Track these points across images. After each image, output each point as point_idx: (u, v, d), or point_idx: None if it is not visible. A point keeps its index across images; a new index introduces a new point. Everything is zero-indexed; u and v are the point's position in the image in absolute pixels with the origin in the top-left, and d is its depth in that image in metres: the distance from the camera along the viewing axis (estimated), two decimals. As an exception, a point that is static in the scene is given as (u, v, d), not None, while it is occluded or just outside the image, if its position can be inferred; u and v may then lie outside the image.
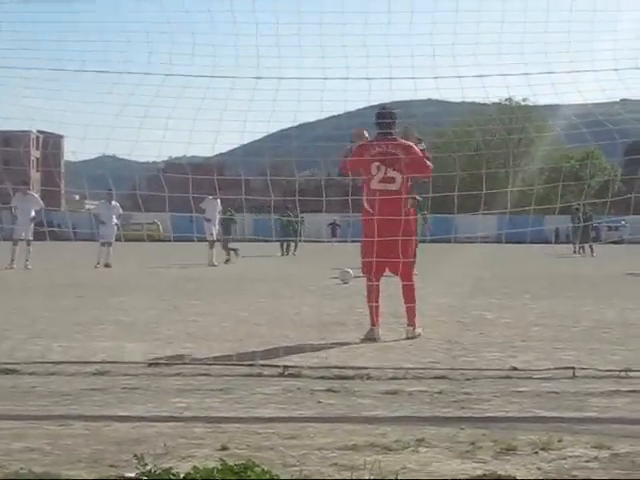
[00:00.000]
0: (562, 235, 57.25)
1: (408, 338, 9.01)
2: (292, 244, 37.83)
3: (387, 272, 9.42)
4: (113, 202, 26.28)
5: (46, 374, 6.83)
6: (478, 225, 34.84)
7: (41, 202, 25.47)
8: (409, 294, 9.39)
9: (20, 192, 25.00)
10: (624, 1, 6.65)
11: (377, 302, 9.21)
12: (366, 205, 9.36)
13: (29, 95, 7.84)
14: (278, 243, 37.72)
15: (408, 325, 9.26)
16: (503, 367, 7.04)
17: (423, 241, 22.34)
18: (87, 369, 6.99)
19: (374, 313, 9.13)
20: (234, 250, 29.04)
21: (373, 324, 9.08)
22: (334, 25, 7.40)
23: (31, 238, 24.59)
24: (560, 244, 48.47)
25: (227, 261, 28.17)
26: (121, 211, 26.80)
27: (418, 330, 9.21)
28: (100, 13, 7.10)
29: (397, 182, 9.26)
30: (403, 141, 9.40)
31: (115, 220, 26.44)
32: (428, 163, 9.39)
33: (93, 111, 8.17)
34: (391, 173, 9.25)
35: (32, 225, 24.61)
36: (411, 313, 9.29)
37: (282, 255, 37.02)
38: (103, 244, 25.85)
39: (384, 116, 9.40)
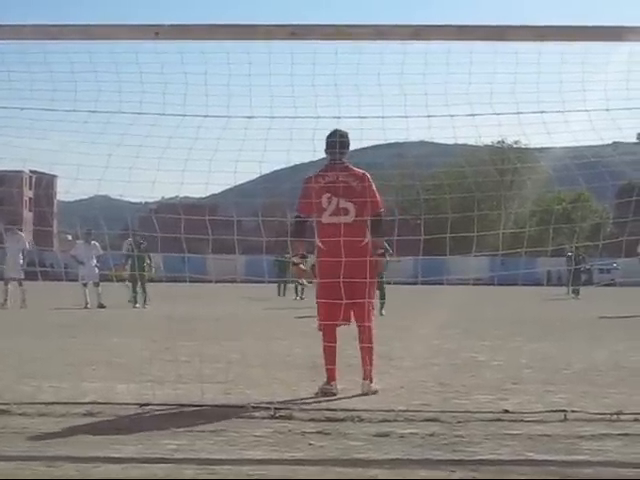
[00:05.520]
0: (554, 277, 57.53)
1: (364, 394, 8.02)
2: (300, 287, 35.31)
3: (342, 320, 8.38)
4: (92, 242, 26.21)
5: (37, 415, 6.80)
6: (470, 267, 34.88)
7: (25, 242, 25.59)
8: (367, 335, 8.26)
9: (10, 232, 25.06)
10: (615, 43, 6.71)
11: (335, 342, 8.31)
12: (319, 243, 8.40)
13: (21, 135, 7.86)
14: (272, 284, 37.67)
15: (364, 378, 8.17)
16: (495, 410, 7.02)
17: (388, 282, 22.40)
18: (78, 410, 6.96)
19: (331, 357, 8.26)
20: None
21: (331, 379, 8.19)
22: (326, 65, 7.45)
23: (22, 277, 24.58)
24: (552, 286, 48.56)
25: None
26: (101, 251, 26.21)
27: (375, 386, 8.14)
28: (93, 54, 7.13)
29: (351, 213, 8.24)
30: (355, 169, 8.44)
31: (95, 261, 26.42)
32: (379, 199, 8.39)
33: (85, 151, 8.19)
34: (344, 204, 8.24)
35: (21, 265, 24.61)
36: (369, 357, 8.21)
37: (279, 295, 36.96)
38: (85, 285, 25.91)
39: (334, 139, 8.33)
